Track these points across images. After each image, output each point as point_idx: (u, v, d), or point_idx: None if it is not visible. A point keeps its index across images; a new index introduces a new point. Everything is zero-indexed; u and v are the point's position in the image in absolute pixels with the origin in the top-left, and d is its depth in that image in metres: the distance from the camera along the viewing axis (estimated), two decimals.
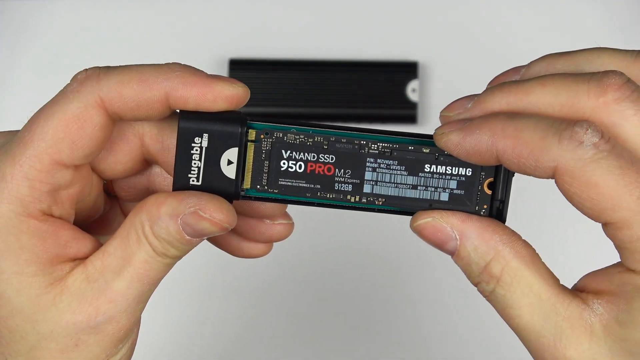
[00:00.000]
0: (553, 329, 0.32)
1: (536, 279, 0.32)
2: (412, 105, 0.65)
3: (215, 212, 0.32)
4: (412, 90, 0.66)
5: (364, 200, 0.33)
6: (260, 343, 0.63)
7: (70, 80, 0.33)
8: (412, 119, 0.67)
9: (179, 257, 0.34)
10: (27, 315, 0.34)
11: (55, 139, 0.33)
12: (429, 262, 0.66)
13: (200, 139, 0.33)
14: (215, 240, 0.38)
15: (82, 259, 0.34)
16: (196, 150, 0.33)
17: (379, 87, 0.66)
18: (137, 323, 0.35)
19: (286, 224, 0.38)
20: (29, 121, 0.33)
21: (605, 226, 0.30)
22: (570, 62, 0.33)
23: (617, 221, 0.29)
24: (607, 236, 0.30)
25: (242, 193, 0.33)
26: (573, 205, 0.30)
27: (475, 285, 0.33)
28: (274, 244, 0.38)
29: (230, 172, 0.33)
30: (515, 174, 0.33)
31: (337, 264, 0.65)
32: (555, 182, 0.30)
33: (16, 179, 0.33)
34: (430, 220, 0.33)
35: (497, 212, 0.33)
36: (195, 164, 0.33)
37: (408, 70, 0.66)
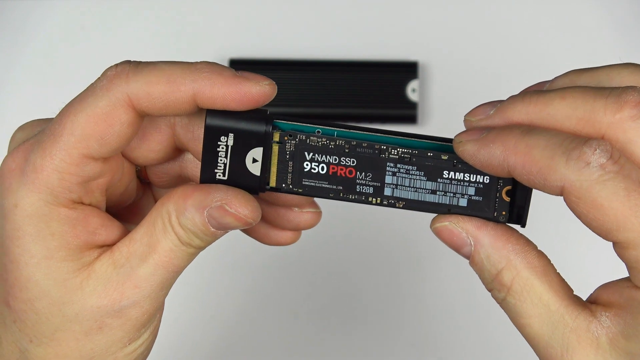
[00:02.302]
0: (561, 340, 0.32)
1: (546, 289, 0.32)
2: (412, 105, 0.65)
3: (240, 208, 0.33)
4: (412, 90, 0.66)
5: (385, 202, 0.34)
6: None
7: (100, 76, 0.34)
8: (412, 119, 0.66)
9: (202, 248, 0.35)
10: (53, 298, 0.34)
11: (84, 134, 0.33)
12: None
13: (226, 138, 0.33)
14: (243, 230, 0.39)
15: (110, 245, 0.35)
16: (222, 148, 0.34)
17: (379, 87, 0.66)
18: (160, 309, 0.36)
19: (314, 212, 0.39)
20: (59, 114, 0.34)
21: (614, 245, 0.30)
22: (592, 78, 0.33)
23: (622, 241, 0.30)
24: (616, 254, 0.31)
25: (268, 188, 0.34)
26: (582, 222, 0.30)
27: (489, 291, 0.34)
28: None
29: (255, 169, 0.34)
30: None
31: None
32: (564, 200, 0.30)
33: (47, 171, 0.33)
34: (447, 224, 0.34)
35: (517, 216, 0.34)
36: (221, 160, 0.34)
37: (408, 70, 0.66)
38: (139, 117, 0.34)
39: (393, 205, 0.34)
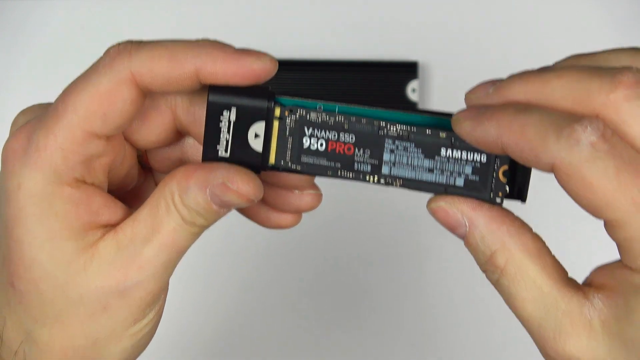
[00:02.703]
0: (554, 323, 0.32)
1: (539, 272, 0.32)
2: (412, 105, 0.65)
3: (242, 184, 0.33)
4: (412, 90, 0.66)
5: (382, 181, 0.35)
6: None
7: (103, 55, 0.34)
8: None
9: (206, 227, 0.35)
10: (57, 279, 0.34)
11: (87, 112, 0.33)
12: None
13: (228, 112, 0.34)
14: (244, 211, 0.39)
15: (113, 226, 0.35)
16: (224, 123, 0.34)
17: (379, 87, 0.66)
18: (164, 289, 0.36)
19: (314, 195, 0.39)
20: (62, 93, 0.34)
21: (604, 224, 0.31)
22: (592, 61, 0.33)
23: (612, 220, 0.30)
24: (607, 233, 0.31)
25: (268, 166, 0.34)
26: (573, 200, 0.30)
27: (483, 272, 0.34)
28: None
29: (257, 145, 0.34)
30: None
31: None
32: (555, 177, 0.30)
33: (50, 149, 0.33)
34: (443, 204, 0.34)
35: (518, 192, 0.34)
36: (223, 136, 0.34)
37: (408, 70, 0.66)
38: (141, 95, 0.34)
39: (390, 184, 0.35)
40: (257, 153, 0.34)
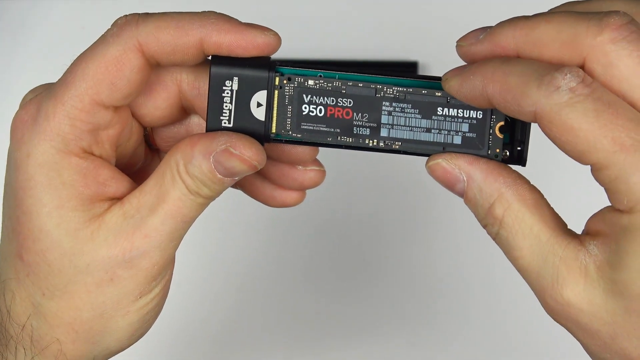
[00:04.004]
0: (551, 270, 0.32)
1: (537, 221, 0.33)
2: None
3: (244, 149, 0.34)
4: None
5: (381, 144, 0.35)
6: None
7: (111, 26, 0.35)
8: None
9: (211, 197, 0.35)
10: (65, 249, 0.35)
11: (95, 80, 0.34)
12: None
13: (231, 82, 0.34)
14: (249, 190, 0.40)
15: (119, 198, 0.35)
16: (227, 93, 0.35)
17: None
18: (170, 263, 0.36)
19: (318, 170, 0.39)
20: (71, 65, 0.35)
21: (591, 169, 0.31)
22: (585, 7, 0.34)
23: (595, 163, 0.30)
24: (595, 179, 0.31)
25: (270, 136, 0.35)
26: (558, 148, 0.31)
27: (484, 227, 0.34)
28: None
29: (259, 114, 0.35)
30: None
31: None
32: (539, 126, 0.31)
33: (58, 117, 0.34)
34: (441, 161, 0.34)
35: (518, 156, 0.35)
36: (226, 106, 0.35)
37: (408, 70, 0.66)
38: (148, 64, 0.35)
39: (389, 147, 0.35)
40: (259, 122, 0.35)
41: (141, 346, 0.39)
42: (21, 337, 0.36)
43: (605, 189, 0.31)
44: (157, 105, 0.37)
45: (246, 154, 0.34)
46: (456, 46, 0.34)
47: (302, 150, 0.38)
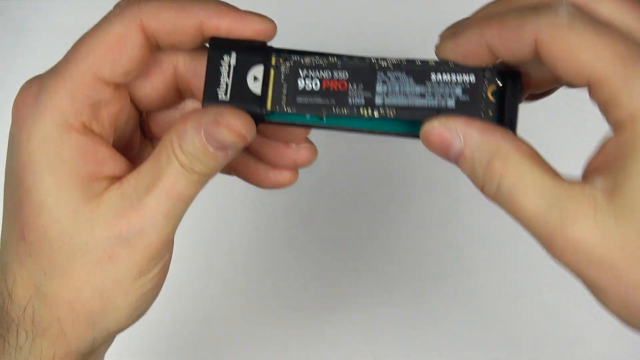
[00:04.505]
0: (558, 211, 0.32)
1: (538, 169, 0.33)
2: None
3: (232, 119, 0.34)
4: None
5: (376, 113, 0.36)
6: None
7: (113, 7, 0.36)
8: None
9: (206, 175, 0.35)
10: (64, 226, 0.35)
11: (97, 56, 0.35)
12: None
13: (228, 57, 0.35)
14: (244, 173, 0.41)
15: (118, 178, 0.36)
16: (224, 67, 0.35)
17: None
18: (168, 243, 0.37)
19: (310, 148, 0.40)
20: (74, 44, 0.36)
21: (590, 91, 0.32)
22: None
23: (596, 78, 0.31)
24: (593, 101, 0.32)
25: (266, 113, 0.36)
26: (557, 75, 0.32)
27: (482, 188, 0.34)
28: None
29: (256, 88, 0.36)
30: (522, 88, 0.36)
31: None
32: (539, 55, 0.32)
33: (59, 92, 0.35)
34: (437, 124, 0.35)
35: (509, 123, 0.36)
36: (223, 80, 0.35)
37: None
38: (148, 43, 0.36)
39: (384, 116, 0.36)
40: (256, 96, 0.35)
41: (138, 331, 0.39)
42: (22, 320, 0.36)
43: (603, 109, 0.32)
44: (153, 86, 0.38)
45: (233, 123, 0.34)
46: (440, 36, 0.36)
47: (294, 131, 0.39)
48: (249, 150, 0.41)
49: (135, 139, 0.40)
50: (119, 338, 0.40)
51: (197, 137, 0.34)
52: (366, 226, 0.66)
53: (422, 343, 0.63)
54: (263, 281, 0.65)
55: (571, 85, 0.33)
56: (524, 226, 0.33)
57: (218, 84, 0.35)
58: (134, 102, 0.38)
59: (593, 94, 0.32)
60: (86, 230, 0.35)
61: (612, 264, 0.32)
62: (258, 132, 0.36)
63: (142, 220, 0.35)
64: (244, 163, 0.41)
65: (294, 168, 0.41)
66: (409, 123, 0.36)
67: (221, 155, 0.35)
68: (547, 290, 0.64)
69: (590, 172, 0.33)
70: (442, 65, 0.36)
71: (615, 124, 0.31)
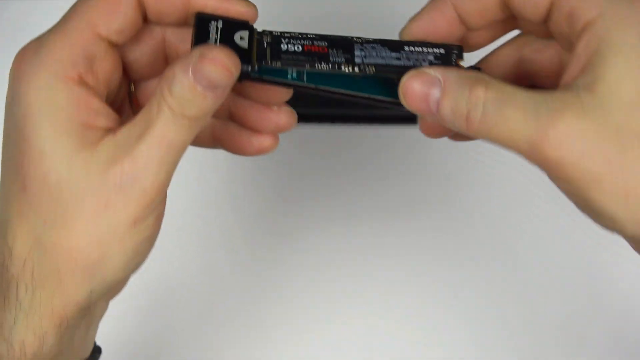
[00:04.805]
0: (547, 110, 0.34)
1: (518, 88, 0.35)
2: None
3: (217, 54, 0.36)
4: None
5: (356, 69, 0.38)
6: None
7: None
8: (412, 119, 0.66)
9: (197, 119, 0.37)
10: (61, 174, 0.36)
11: (94, 13, 0.37)
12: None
13: (215, 22, 0.38)
14: (228, 141, 0.43)
15: (111, 131, 0.37)
16: (212, 28, 0.37)
17: None
18: (161, 192, 0.38)
19: (290, 111, 0.43)
20: (72, 5, 0.38)
21: (550, 15, 0.36)
22: None
23: None
24: (556, 27, 0.36)
25: (251, 67, 0.38)
26: (520, 9, 0.37)
27: (466, 121, 0.36)
28: None
29: (242, 44, 0.38)
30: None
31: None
32: None
33: (57, 45, 0.37)
34: (414, 71, 0.37)
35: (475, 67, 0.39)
36: (212, 36, 0.37)
37: None
38: (140, 7, 0.38)
39: (364, 71, 0.38)
40: (242, 50, 0.37)
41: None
42: (22, 274, 0.37)
43: (568, 21, 0.35)
44: (143, 52, 0.40)
45: (218, 56, 0.35)
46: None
47: (277, 91, 0.41)
48: (232, 116, 0.43)
49: (124, 109, 0.41)
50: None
51: (185, 78, 0.35)
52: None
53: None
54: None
55: (532, 16, 0.37)
56: (511, 143, 0.35)
57: (207, 37, 0.37)
58: (124, 69, 0.40)
59: (555, 16, 0.35)
60: (82, 178, 0.36)
61: (606, 151, 0.33)
62: (242, 94, 0.40)
63: (135, 167, 0.36)
64: (227, 131, 0.43)
65: (275, 132, 0.43)
66: (389, 88, 0.38)
67: (210, 95, 0.36)
68: (547, 290, 0.64)
69: (567, 81, 0.35)
70: (414, 42, 0.39)
71: (584, 27, 0.34)
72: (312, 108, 0.66)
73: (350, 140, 0.67)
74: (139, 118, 0.37)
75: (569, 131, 0.33)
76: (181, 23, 0.39)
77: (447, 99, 0.36)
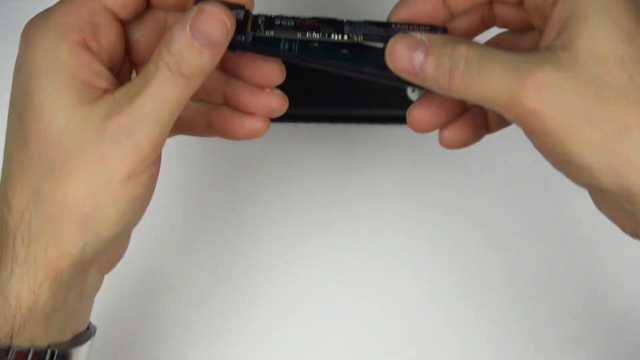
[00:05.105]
0: (527, 64, 0.36)
1: (499, 49, 0.37)
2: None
3: (214, 8, 0.37)
4: (412, 90, 0.66)
5: (345, 37, 0.41)
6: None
7: None
8: None
9: (193, 77, 0.38)
10: (61, 126, 0.38)
11: None
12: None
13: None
14: (220, 125, 0.45)
15: (111, 92, 0.39)
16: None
17: (379, 87, 0.66)
18: (156, 148, 0.39)
19: (282, 95, 0.45)
20: None
21: None
22: None
23: None
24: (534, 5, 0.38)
25: (245, 36, 0.40)
26: None
27: (449, 76, 0.37)
28: None
29: (239, 16, 0.40)
30: None
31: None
32: None
33: (64, 11, 0.39)
34: (400, 34, 0.39)
35: None
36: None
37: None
38: None
39: (352, 39, 0.40)
40: (238, 20, 0.39)
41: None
42: (20, 226, 0.38)
43: None
44: (145, 33, 0.43)
45: (214, 10, 0.37)
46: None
47: (270, 71, 0.43)
48: (227, 100, 0.45)
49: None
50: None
51: (183, 34, 0.37)
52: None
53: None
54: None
55: None
56: (491, 96, 0.36)
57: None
58: (127, 50, 0.43)
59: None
60: (80, 130, 0.38)
61: (582, 101, 0.35)
62: (236, 75, 0.42)
63: (130, 119, 0.38)
64: (221, 115, 0.45)
65: (267, 114, 0.44)
66: (376, 61, 0.40)
67: (206, 52, 0.37)
68: (546, 290, 0.64)
69: (544, 45, 0.37)
70: (400, 23, 0.41)
71: None
72: (312, 108, 0.66)
73: (350, 140, 0.67)
74: (137, 78, 0.39)
75: (547, 81, 0.35)
76: (182, 8, 0.41)
77: (430, 58, 0.37)
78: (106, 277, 0.46)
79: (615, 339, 0.62)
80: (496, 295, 0.64)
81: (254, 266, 0.64)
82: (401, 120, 0.67)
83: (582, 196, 0.41)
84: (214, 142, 0.65)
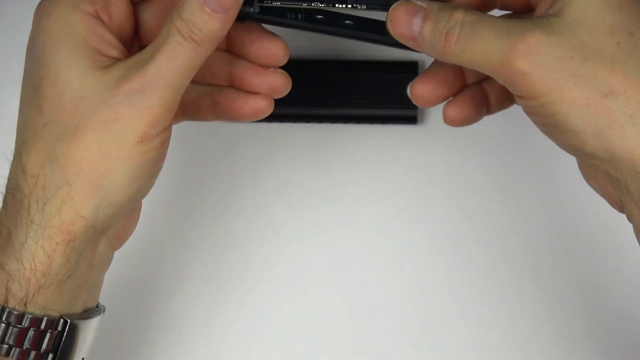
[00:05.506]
0: (518, 28, 0.37)
1: (495, 16, 0.38)
2: (413, 106, 0.64)
3: None
4: None
5: (349, 6, 0.43)
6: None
7: None
8: (412, 119, 0.66)
9: (204, 42, 0.39)
10: (75, 90, 0.39)
11: None
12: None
13: None
14: (225, 105, 0.46)
15: (123, 61, 0.40)
16: None
17: (379, 87, 0.66)
18: (168, 113, 0.40)
19: (285, 74, 0.46)
20: None
21: None
22: None
23: None
24: None
25: (252, 7, 0.41)
26: None
27: (444, 40, 0.38)
28: None
29: None
30: None
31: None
32: None
33: None
34: (402, 1, 0.40)
35: None
36: None
37: (408, 70, 0.66)
38: None
39: (355, 8, 0.43)
40: None
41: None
42: (34, 190, 0.39)
43: None
44: (154, 14, 0.44)
45: None
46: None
47: (275, 50, 0.44)
48: (231, 80, 0.46)
49: None
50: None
51: (195, 2, 0.38)
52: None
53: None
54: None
55: None
56: (483, 58, 0.37)
57: None
58: (136, 30, 0.44)
59: None
60: (94, 93, 0.39)
61: (570, 64, 0.36)
62: (241, 55, 0.44)
63: (143, 82, 0.39)
64: (226, 95, 0.46)
65: (271, 94, 0.45)
66: (377, 30, 0.42)
67: (217, 18, 0.38)
68: (546, 289, 0.64)
69: (537, 14, 0.39)
70: None
71: None
72: (312, 108, 0.66)
73: (350, 140, 0.67)
74: (150, 45, 0.40)
75: (537, 44, 0.36)
76: None
77: (428, 22, 0.39)
78: (106, 276, 0.46)
79: (615, 338, 0.62)
80: (496, 295, 0.64)
81: (254, 266, 0.64)
82: (401, 120, 0.67)
83: (583, 196, 0.41)
84: (215, 140, 0.65)
